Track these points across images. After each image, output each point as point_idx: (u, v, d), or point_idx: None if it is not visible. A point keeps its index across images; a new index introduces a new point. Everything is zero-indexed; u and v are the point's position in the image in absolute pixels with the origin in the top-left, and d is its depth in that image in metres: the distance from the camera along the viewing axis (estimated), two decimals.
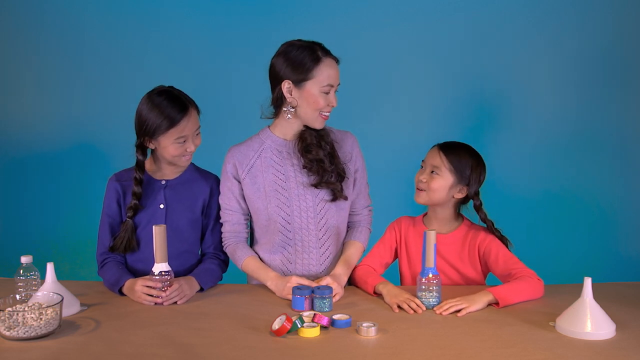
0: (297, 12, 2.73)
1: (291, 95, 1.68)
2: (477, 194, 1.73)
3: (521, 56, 2.73)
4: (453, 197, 1.73)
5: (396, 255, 1.86)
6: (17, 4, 2.75)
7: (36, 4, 2.75)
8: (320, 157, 1.71)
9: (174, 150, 1.73)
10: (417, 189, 1.75)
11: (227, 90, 2.65)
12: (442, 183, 1.71)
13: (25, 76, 2.80)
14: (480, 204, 1.73)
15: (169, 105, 1.69)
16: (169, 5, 2.76)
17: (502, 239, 1.73)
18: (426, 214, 1.84)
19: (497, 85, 2.77)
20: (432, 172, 1.72)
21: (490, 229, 1.73)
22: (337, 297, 1.62)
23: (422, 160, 1.78)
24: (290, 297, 1.59)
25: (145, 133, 1.72)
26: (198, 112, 1.78)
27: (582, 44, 2.69)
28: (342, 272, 1.72)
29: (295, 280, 1.63)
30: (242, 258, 1.77)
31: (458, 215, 1.80)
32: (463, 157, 1.72)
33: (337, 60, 1.70)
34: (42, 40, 2.76)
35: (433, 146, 1.78)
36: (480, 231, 1.75)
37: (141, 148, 1.77)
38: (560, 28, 2.69)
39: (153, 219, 1.78)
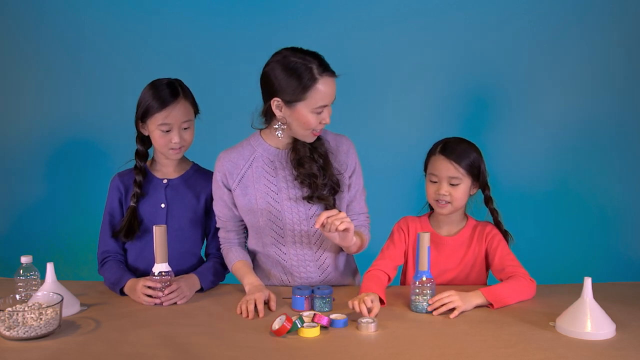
0: (297, 12, 2.73)
1: (281, 112, 1.58)
2: (487, 182, 1.74)
3: (523, 56, 2.72)
4: (470, 195, 1.74)
5: (406, 256, 1.83)
6: (17, 3, 2.75)
7: (36, 3, 2.75)
8: (313, 171, 1.64)
9: (159, 137, 1.73)
10: (439, 201, 1.69)
11: (226, 91, 2.64)
12: (464, 189, 1.69)
13: (25, 75, 2.79)
14: (490, 192, 1.74)
15: (164, 89, 1.72)
16: (169, 5, 2.76)
17: (504, 234, 1.75)
18: (431, 213, 1.81)
19: (498, 85, 2.76)
20: (451, 183, 1.68)
21: (496, 221, 1.75)
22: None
23: (430, 173, 1.71)
24: (243, 307, 1.52)
25: (138, 115, 1.74)
26: (195, 109, 1.78)
27: (584, 43, 2.68)
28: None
29: (260, 298, 1.53)
30: (232, 262, 1.75)
31: (464, 213, 1.79)
32: (471, 156, 1.68)
33: (335, 75, 1.57)
34: (41, 38, 2.76)
35: (433, 154, 1.71)
36: (487, 225, 1.77)
37: (140, 138, 1.79)
38: (561, 28, 2.68)
39: (154, 218, 1.78)
